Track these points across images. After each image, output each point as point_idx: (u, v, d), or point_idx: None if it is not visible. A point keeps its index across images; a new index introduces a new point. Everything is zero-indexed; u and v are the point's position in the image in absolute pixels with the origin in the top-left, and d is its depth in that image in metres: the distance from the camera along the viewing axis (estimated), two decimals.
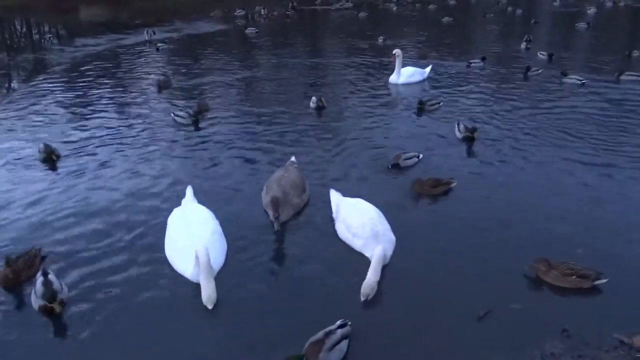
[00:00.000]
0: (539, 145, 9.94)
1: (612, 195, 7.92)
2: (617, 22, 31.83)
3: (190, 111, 11.47)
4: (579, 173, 8.68)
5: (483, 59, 17.22)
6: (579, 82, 14.32)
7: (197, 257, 5.66)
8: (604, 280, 5.70)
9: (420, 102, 12.03)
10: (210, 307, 5.43)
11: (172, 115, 11.45)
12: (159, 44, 20.74)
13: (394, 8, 35.16)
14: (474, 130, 9.99)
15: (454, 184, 8.07)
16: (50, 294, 5.31)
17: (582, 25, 26.42)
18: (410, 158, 8.98)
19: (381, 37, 21.77)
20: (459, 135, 10.09)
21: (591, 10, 32.87)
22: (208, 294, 5.46)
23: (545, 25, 28.72)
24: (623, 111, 11.96)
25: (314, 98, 12.41)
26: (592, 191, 8.05)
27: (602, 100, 12.93)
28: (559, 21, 31.41)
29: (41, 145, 9.44)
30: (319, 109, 12.20)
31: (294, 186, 7.46)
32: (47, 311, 5.29)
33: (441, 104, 12.32)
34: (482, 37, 24.74)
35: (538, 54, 18.44)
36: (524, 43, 20.51)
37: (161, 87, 14.13)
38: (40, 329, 5.24)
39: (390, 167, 8.81)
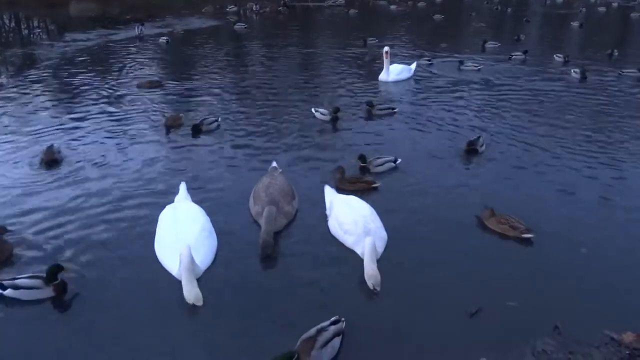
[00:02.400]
0: (531, 145, 10.04)
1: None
2: (607, 21, 32.05)
3: (213, 119, 10.84)
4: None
5: (525, 52, 17.95)
6: (475, 68, 16.12)
7: (180, 254, 5.61)
8: (530, 235, 6.58)
9: (370, 104, 11.71)
10: (199, 304, 5.33)
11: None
12: (166, 38, 20.76)
13: (391, 7, 35.01)
14: (473, 142, 9.51)
15: (376, 185, 7.99)
16: None
17: (575, 24, 26.67)
18: (382, 164, 8.66)
19: (370, 39, 20.92)
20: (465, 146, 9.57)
21: (583, 10, 33.12)
22: (192, 293, 5.36)
23: (536, 24, 28.89)
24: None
25: (323, 110, 11.28)
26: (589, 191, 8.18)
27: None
28: (550, 20, 31.58)
29: (43, 147, 9.16)
30: (334, 120, 11.09)
31: (284, 194, 7.17)
32: None
33: (396, 110, 11.87)
34: (474, 34, 24.82)
35: (555, 56, 17.90)
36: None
37: (143, 87, 13.92)
38: (26, 319, 5.21)
39: (360, 170, 8.60)
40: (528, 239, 6.59)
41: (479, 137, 9.68)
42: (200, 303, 5.36)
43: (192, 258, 5.63)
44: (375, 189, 7.97)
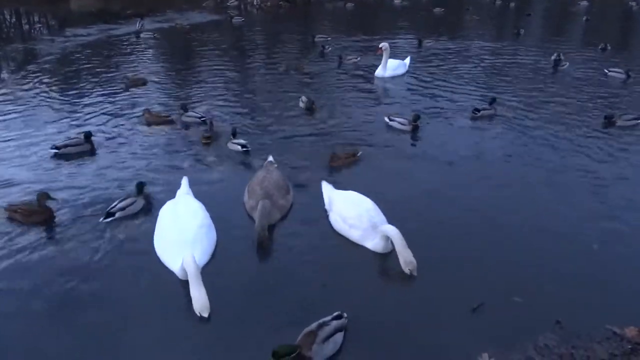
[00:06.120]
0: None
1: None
2: (617, 16, 31.85)
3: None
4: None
5: (604, 47, 18.37)
6: (356, 60, 15.96)
7: (184, 263, 5.54)
8: (360, 152, 8.78)
9: (311, 102, 11.48)
10: (205, 315, 5.15)
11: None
12: (142, 33, 20.60)
13: (395, 1, 34.55)
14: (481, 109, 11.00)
15: (208, 141, 9.44)
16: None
17: (583, 18, 26.69)
18: (235, 144, 9.27)
19: (318, 36, 19.91)
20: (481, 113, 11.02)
21: (583, 4, 32.94)
22: (201, 303, 5.19)
23: (538, 18, 28.71)
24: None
25: (402, 119, 10.54)
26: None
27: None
28: (554, 15, 31.38)
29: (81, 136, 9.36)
30: (415, 129, 10.34)
31: (278, 187, 7.21)
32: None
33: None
34: (473, 28, 24.69)
35: (608, 71, 15.37)
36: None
37: (129, 85, 13.48)
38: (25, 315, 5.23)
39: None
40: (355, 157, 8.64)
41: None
42: (206, 314, 5.17)
43: (197, 265, 5.50)
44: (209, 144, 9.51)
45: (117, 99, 12.63)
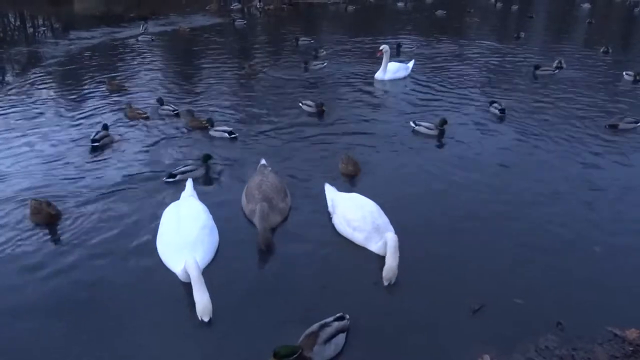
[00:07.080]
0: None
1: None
2: (620, 19, 31.83)
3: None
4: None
5: (606, 50, 18.34)
6: (322, 65, 15.92)
7: (186, 267, 5.55)
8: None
9: (320, 104, 11.49)
10: (206, 319, 5.14)
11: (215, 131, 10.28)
12: (140, 36, 20.69)
13: (398, 4, 34.41)
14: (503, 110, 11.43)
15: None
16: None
17: (586, 21, 26.73)
18: (218, 131, 10.00)
19: (302, 39, 19.79)
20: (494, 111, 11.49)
21: (585, 6, 32.94)
22: (203, 306, 5.18)
23: (540, 21, 28.69)
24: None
25: (428, 124, 10.37)
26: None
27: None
28: (556, 17, 31.35)
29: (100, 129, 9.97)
30: (441, 133, 10.19)
31: (277, 191, 7.19)
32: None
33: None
34: (475, 30, 24.71)
35: (625, 74, 15.03)
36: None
37: (112, 90, 13.47)
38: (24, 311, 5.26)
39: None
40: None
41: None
42: (206, 319, 5.17)
43: (199, 269, 5.50)
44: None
45: (116, 98, 12.69)
